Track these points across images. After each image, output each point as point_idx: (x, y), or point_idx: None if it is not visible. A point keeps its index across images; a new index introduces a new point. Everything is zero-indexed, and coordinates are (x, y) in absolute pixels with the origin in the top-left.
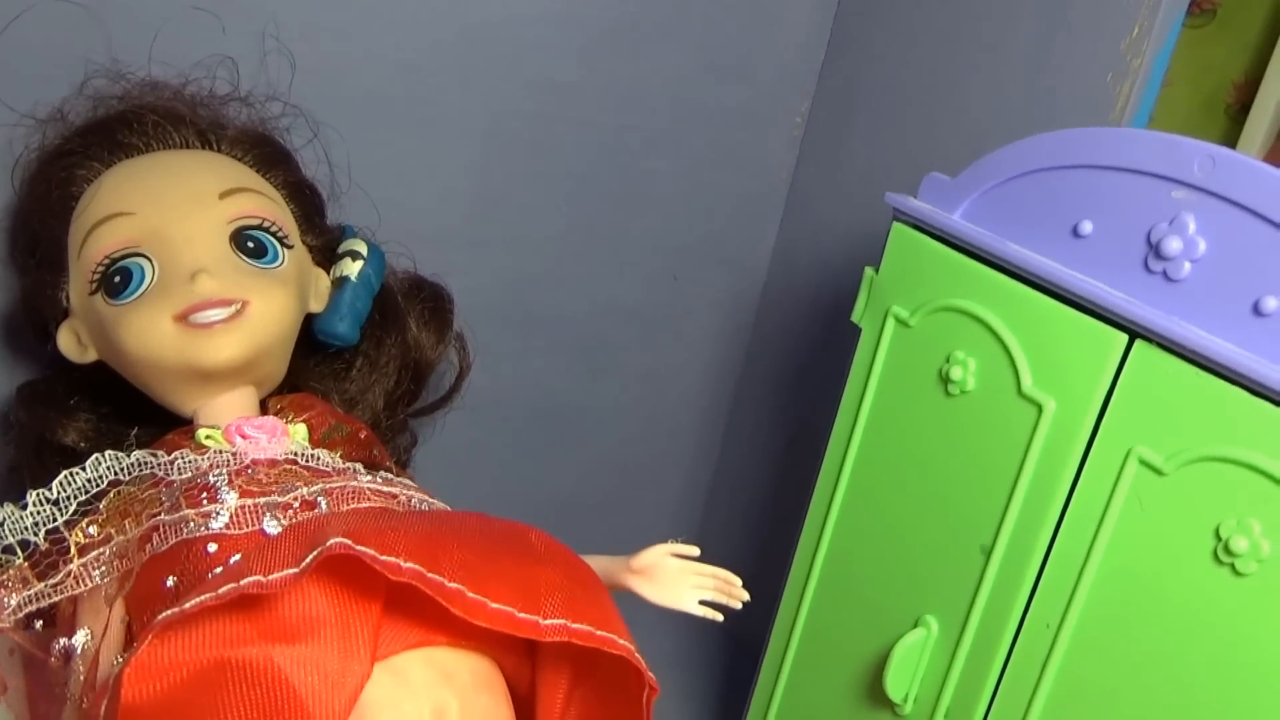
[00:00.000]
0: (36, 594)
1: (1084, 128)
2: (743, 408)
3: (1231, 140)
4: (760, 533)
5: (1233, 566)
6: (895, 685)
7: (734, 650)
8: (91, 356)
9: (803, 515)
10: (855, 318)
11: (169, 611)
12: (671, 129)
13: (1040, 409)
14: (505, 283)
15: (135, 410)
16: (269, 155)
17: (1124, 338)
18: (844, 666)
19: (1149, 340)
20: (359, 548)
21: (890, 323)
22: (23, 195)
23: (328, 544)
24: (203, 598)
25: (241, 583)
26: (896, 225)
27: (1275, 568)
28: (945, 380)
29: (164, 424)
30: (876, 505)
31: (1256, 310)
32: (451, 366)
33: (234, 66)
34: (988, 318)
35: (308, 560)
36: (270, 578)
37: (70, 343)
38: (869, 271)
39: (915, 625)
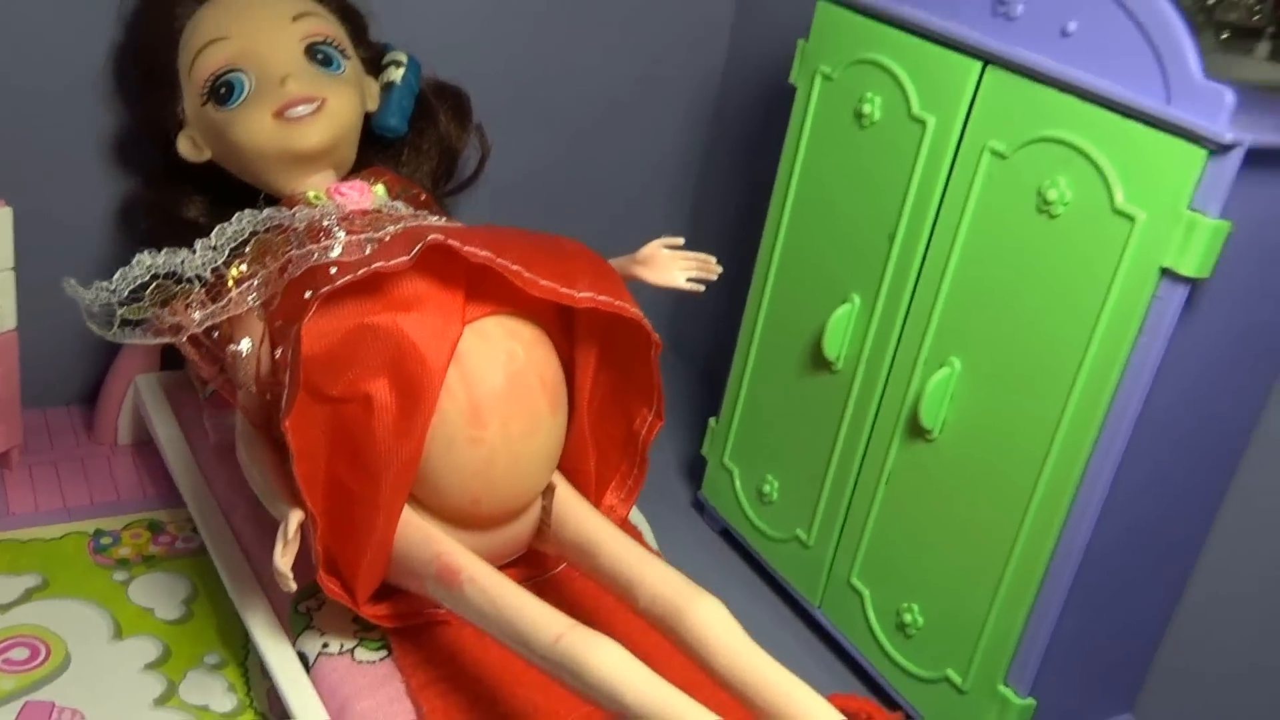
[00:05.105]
0: (212, 312)
1: None
2: (710, 177)
3: None
4: (730, 282)
5: (1048, 213)
6: (831, 347)
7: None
8: (206, 155)
9: None
10: (791, 79)
11: (327, 287)
12: None
13: (924, 125)
14: (512, 84)
15: (235, 195)
16: None
17: (979, 64)
18: (795, 341)
19: (996, 64)
20: (449, 240)
21: (818, 79)
22: (132, 35)
23: (428, 239)
24: (348, 277)
25: (373, 266)
26: (820, 2)
27: (1075, 208)
28: (859, 116)
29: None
30: (813, 216)
31: (1063, 33)
32: (476, 152)
33: None
34: (888, 64)
35: (416, 249)
36: (392, 262)
37: (188, 146)
38: (801, 42)
39: (843, 302)
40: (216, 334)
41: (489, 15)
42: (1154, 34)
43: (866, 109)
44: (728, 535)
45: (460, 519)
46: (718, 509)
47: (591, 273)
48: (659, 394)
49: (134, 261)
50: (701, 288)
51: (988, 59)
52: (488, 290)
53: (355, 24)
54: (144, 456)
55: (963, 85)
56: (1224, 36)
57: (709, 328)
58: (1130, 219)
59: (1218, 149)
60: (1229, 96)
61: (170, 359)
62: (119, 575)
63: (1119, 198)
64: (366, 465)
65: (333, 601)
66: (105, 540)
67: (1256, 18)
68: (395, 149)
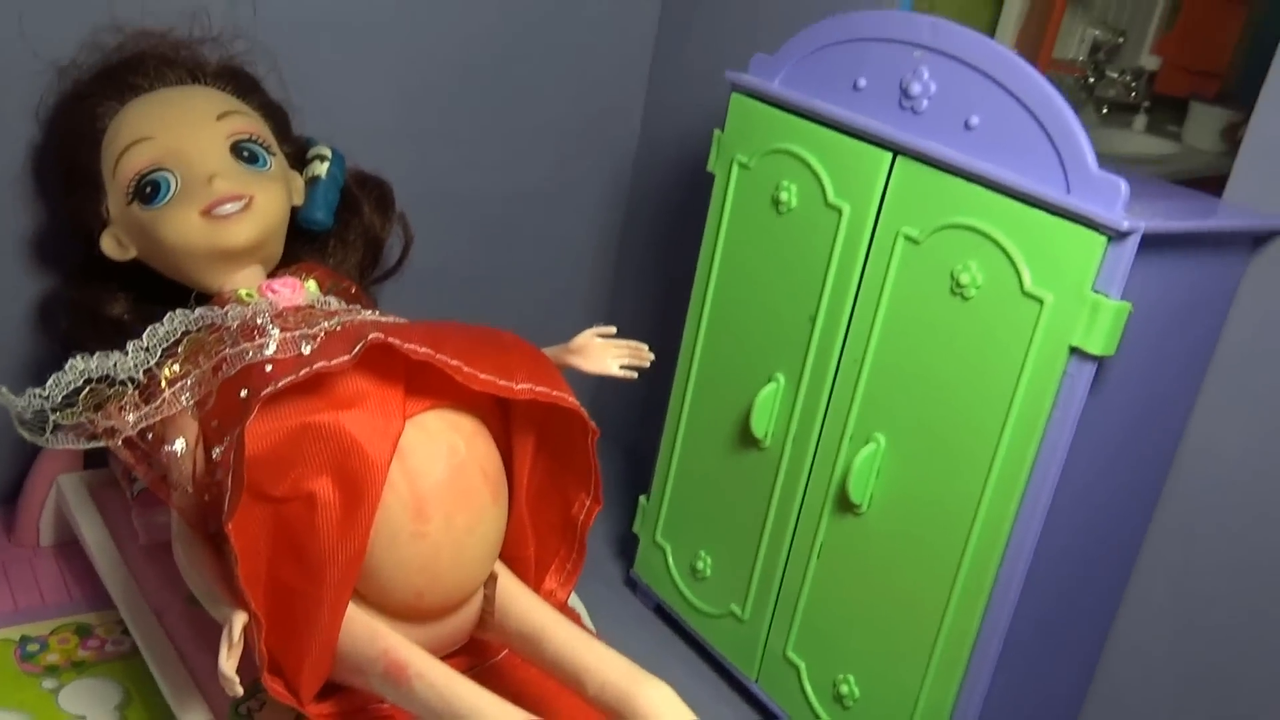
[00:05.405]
0: (146, 414)
1: (857, 11)
2: (626, 262)
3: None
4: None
5: (962, 295)
6: (758, 425)
7: (637, 466)
8: (131, 254)
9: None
10: (709, 167)
11: (269, 388)
12: (549, 42)
13: (840, 212)
14: (428, 174)
15: (159, 292)
16: (245, 84)
17: (889, 155)
18: (723, 420)
19: (905, 155)
20: (390, 339)
21: (735, 168)
22: (53, 134)
23: (369, 337)
24: (289, 378)
25: (315, 366)
26: (734, 95)
27: (986, 291)
28: (776, 203)
29: (183, 302)
30: (736, 299)
31: (966, 126)
32: (399, 241)
33: (207, 15)
34: (802, 154)
35: (358, 349)
36: (334, 362)
37: (112, 245)
38: (717, 132)
39: (769, 381)
40: (150, 435)
41: (406, 108)
42: (1051, 129)
43: (784, 196)
44: (661, 612)
45: (404, 613)
46: (651, 586)
47: (529, 364)
48: (597, 479)
49: (67, 366)
50: (634, 374)
51: (897, 150)
52: (427, 384)
53: (279, 120)
54: (68, 558)
55: (875, 174)
56: (1104, 112)
57: (631, 408)
58: (1039, 301)
59: (1116, 235)
60: (1123, 186)
61: (93, 458)
62: (48, 683)
63: (1027, 281)
64: (310, 563)
65: (274, 701)
66: (32, 647)
67: (1133, 94)
68: (321, 242)
